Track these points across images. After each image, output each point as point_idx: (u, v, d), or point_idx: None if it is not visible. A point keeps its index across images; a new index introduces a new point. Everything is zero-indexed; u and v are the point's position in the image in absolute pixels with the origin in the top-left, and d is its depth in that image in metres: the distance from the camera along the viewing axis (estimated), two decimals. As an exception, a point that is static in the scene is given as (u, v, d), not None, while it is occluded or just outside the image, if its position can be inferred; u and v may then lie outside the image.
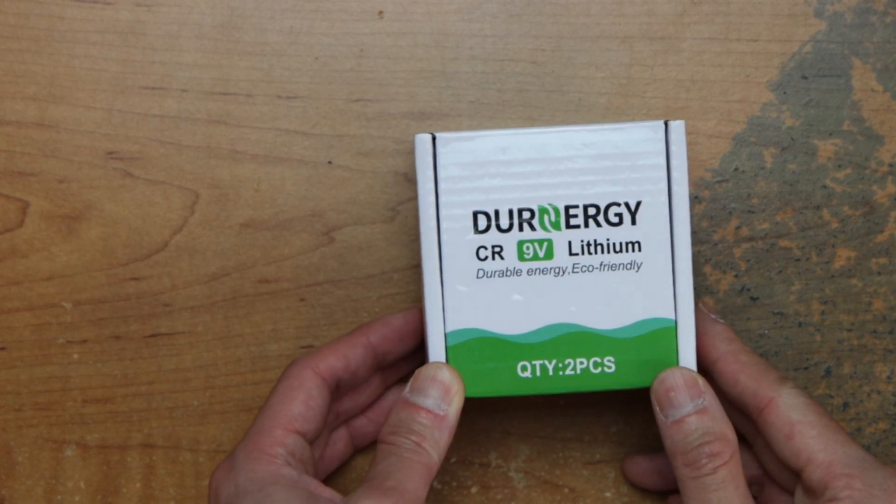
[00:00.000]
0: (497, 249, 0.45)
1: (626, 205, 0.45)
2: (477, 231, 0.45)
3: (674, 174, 0.44)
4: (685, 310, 0.45)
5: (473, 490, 0.52)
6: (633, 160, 0.45)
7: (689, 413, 0.44)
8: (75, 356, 0.52)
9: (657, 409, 0.45)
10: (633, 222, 0.45)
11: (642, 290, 0.45)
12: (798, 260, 0.51)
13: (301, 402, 0.46)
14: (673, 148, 0.45)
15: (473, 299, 0.45)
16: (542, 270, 0.45)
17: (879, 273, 0.51)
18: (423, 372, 0.45)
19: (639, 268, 0.45)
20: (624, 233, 0.45)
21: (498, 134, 0.45)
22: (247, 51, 0.51)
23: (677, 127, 0.44)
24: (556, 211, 0.45)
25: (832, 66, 0.51)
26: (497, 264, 0.45)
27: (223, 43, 0.51)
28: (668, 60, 0.51)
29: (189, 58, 0.51)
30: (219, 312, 0.52)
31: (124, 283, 0.52)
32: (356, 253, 0.52)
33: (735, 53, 0.51)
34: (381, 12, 0.51)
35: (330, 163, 0.52)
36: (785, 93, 0.51)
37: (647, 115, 0.51)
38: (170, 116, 0.51)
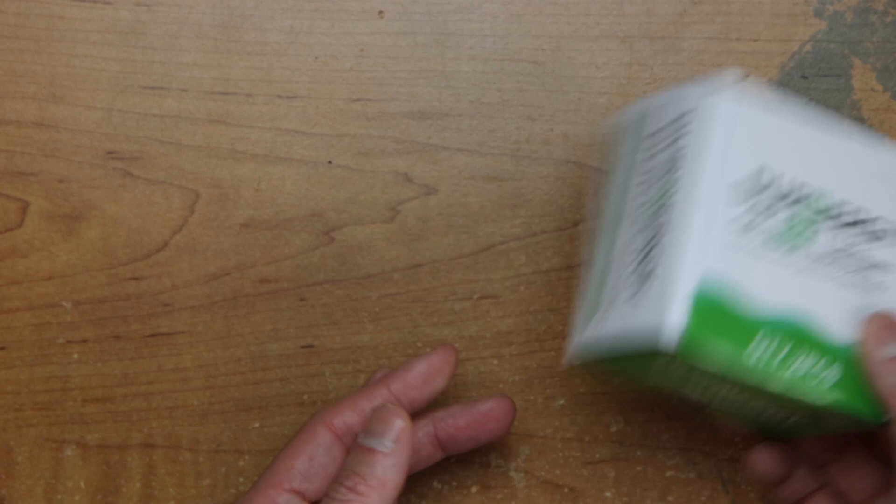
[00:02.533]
0: (770, 213, 0.42)
1: (894, 223, 0.43)
2: (754, 189, 0.42)
3: None
4: None
5: (473, 490, 0.52)
6: None
7: None
8: (75, 356, 0.52)
9: (869, 350, 0.41)
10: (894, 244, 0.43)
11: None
12: (798, 260, 0.52)
13: (304, 459, 0.46)
14: None
15: (734, 251, 0.41)
16: (801, 252, 0.42)
17: (879, 273, 0.51)
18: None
19: (885, 290, 0.43)
20: (883, 251, 0.43)
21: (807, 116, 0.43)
22: (247, 50, 0.51)
23: None
24: (832, 200, 0.42)
25: (832, 65, 0.51)
26: (764, 227, 0.42)
27: (223, 43, 0.51)
28: (669, 60, 0.51)
29: (189, 57, 0.51)
30: (219, 312, 0.52)
31: (124, 283, 0.52)
32: (356, 253, 0.52)
33: (735, 53, 0.51)
34: (381, 12, 0.51)
35: (330, 162, 0.52)
36: (785, 92, 0.51)
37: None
38: (170, 116, 0.51)
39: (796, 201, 0.42)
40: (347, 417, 0.47)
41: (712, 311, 0.40)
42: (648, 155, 0.44)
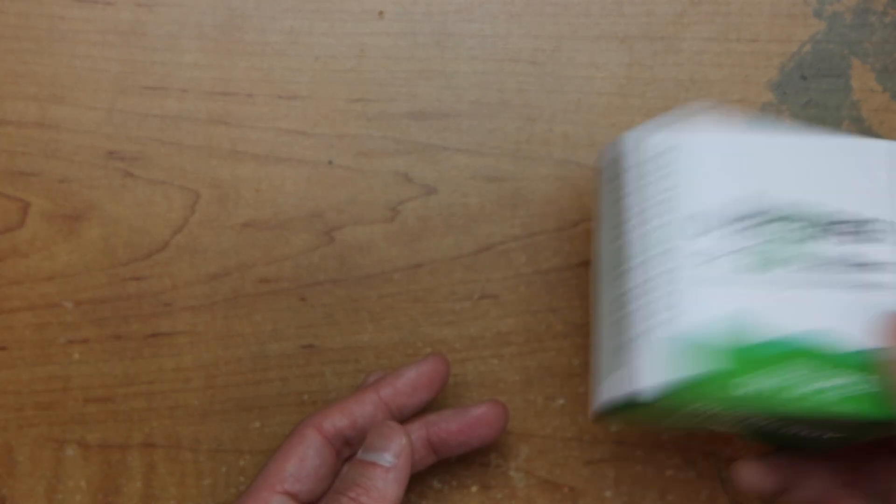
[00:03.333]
0: (743, 246, 0.42)
1: (882, 221, 0.43)
2: (729, 223, 0.42)
3: None
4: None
5: (473, 489, 0.52)
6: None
7: None
8: (76, 356, 0.52)
9: (882, 347, 0.41)
10: (883, 241, 0.43)
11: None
12: (797, 259, 0.52)
13: (295, 461, 0.46)
14: None
15: (729, 290, 0.41)
16: (787, 274, 0.42)
17: (879, 273, 0.51)
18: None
19: (880, 289, 0.42)
20: (873, 252, 0.43)
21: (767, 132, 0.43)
22: (247, 51, 0.51)
23: None
24: (811, 215, 0.42)
25: (831, 66, 0.51)
26: (739, 261, 0.42)
27: (224, 43, 0.51)
28: (668, 60, 0.51)
29: (190, 58, 0.51)
30: (219, 312, 0.52)
31: (125, 283, 0.52)
32: (356, 253, 0.52)
33: (734, 53, 0.51)
34: (381, 12, 0.51)
35: (330, 163, 0.52)
36: (784, 93, 0.51)
37: (647, 116, 0.51)
38: (170, 116, 0.52)
39: (782, 218, 0.42)
40: (337, 421, 0.47)
41: (730, 350, 0.40)
42: (613, 199, 0.44)
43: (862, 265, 0.42)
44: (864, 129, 0.51)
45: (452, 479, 0.52)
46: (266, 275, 0.52)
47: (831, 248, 0.42)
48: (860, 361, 0.41)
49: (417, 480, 0.52)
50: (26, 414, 0.52)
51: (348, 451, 0.48)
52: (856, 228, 0.42)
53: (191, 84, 0.51)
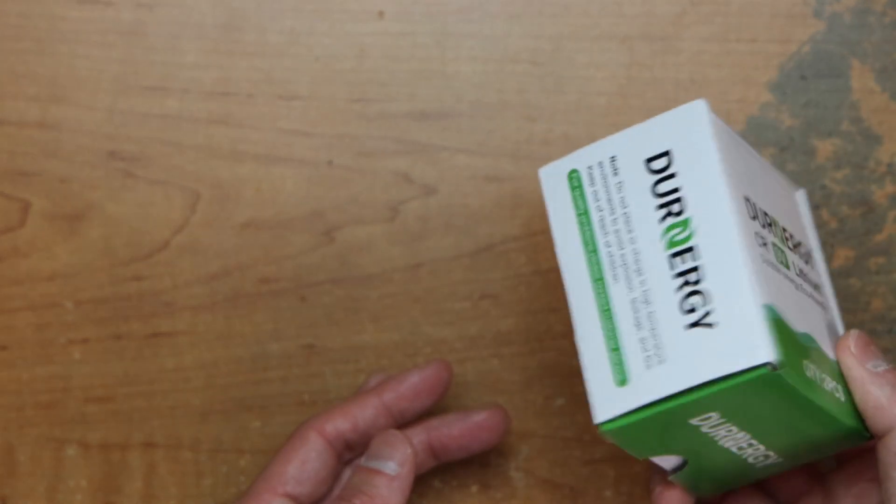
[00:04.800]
0: (765, 240, 0.41)
1: (808, 247, 0.44)
2: (752, 217, 0.41)
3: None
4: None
5: (473, 489, 0.52)
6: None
7: (889, 369, 0.41)
8: (77, 355, 0.52)
9: (858, 362, 0.41)
10: (815, 265, 0.43)
11: (833, 330, 0.43)
12: (797, 259, 0.52)
13: (297, 463, 0.46)
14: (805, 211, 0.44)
15: (766, 280, 0.40)
16: (788, 278, 0.42)
17: (878, 273, 0.51)
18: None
19: (826, 308, 0.43)
20: (813, 272, 0.43)
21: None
22: (247, 51, 0.51)
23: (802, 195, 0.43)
24: (782, 226, 0.43)
25: (831, 66, 0.51)
26: (768, 255, 0.41)
27: (224, 43, 0.51)
28: (668, 61, 0.51)
29: (190, 58, 0.51)
30: (220, 312, 0.52)
31: (125, 283, 0.52)
32: (356, 253, 0.52)
33: (734, 54, 0.51)
34: (381, 12, 0.51)
35: (330, 163, 0.52)
36: (784, 93, 0.51)
37: (647, 116, 0.51)
38: (171, 116, 0.52)
39: (771, 225, 0.42)
40: (339, 424, 0.47)
41: (783, 336, 0.39)
42: (611, 206, 0.42)
43: (816, 285, 0.44)
44: (864, 129, 0.51)
45: (452, 478, 0.52)
46: (266, 275, 0.52)
47: (800, 264, 0.43)
48: (839, 371, 0.42)
49: (418, 480, 0.52)
50: (27, 414, 0.52)
51: (349, 454, 0.48)
52: (804, 251, 0.43)
53: (191, 84, 0.51)
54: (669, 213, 0.41)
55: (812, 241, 0.46)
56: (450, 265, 0.52)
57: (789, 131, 0.51)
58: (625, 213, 0.42)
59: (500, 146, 0.52)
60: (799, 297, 0.42)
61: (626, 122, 0.51)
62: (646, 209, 0.41)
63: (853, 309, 0.51)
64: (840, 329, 0.45)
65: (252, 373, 0.52)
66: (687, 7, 0.51)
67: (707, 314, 0.39)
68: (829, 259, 0.51)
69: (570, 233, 0.42)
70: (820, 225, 0.51)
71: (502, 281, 0.52)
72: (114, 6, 0.51)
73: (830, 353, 0.42)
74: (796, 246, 0.44)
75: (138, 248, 0.52)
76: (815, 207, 0.51)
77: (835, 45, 0.51)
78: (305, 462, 0.47)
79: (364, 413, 0.47)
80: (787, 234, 0.43)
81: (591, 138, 0.51)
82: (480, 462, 0.52)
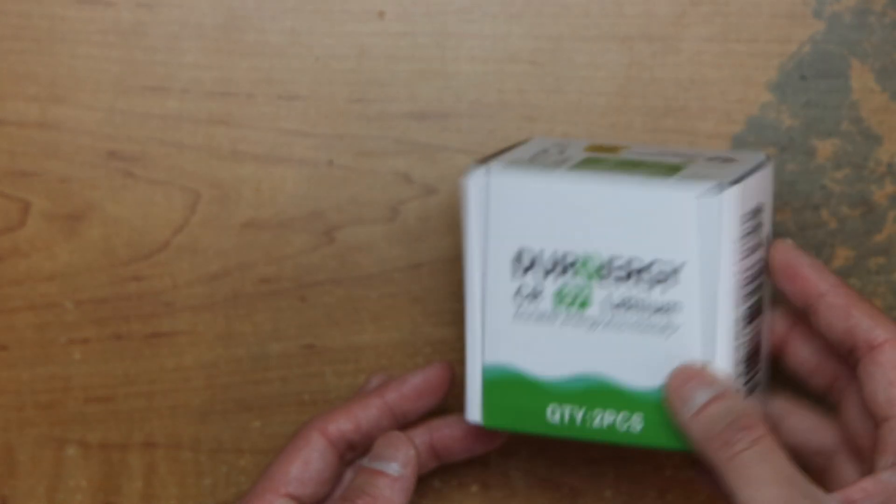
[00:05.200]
0: (536, 292, 0.44)
1: (671, 264, 0.43)
2: (518, 271, 0.45)
3: (723, 242, 0.43)
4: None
5: (473, 489, 0.52)
6: (679, 220, 0.43)
7: (708, 401, 0.42)
8: (77, 355, 0.52)
9: (675, 410, 0.43)
10: (676, 283, 0.43)
11: (678, 354, 0.44)
12: (797, 259, 0.52)
13: (299, 464, 0.47)
14: (724, 217, 0.43)
15: (511, 337, 0.45)
16: (578, 319, 0.44)
17: (878, 273, 0.52)
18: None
19: (676, 330, 0.44)
20: (665, 294, 0.44)
21: (553, 176, 0.44)
22: (248, 51, 0.51)
23: (731, 195, 0.43)
24: (599, 261, 0.44)
25: (831, 66, 0.51)
26: (535, 307, 0.45)
27: (224, 43, 0.52)
28: (668, 61, 0.51)
29: (190, 58, 0.51)
30: (220, 312, 0.52)
31: (126, 283, 0.52)
32: (356, 253, 0.52)
33: (734, 54, 0.51)
34: (381, 12, 0.51)
35: (330, 163, 0.52)
36: (784, 93, 0.51)
37: (647, 116, 0.51)
38: (171, 116, 0.52)
39: (563, 272, 0.44)
40: (342, 424, 0.47)
41: (502, 387, 0.45)
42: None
43: (659, 309, 0.44)
44: (864, 129, 0.51)
45: (452, 478, 0.52)
46: (266, 275, 0.52)
47: (617, 291, 0.44)
48: (653, 399, 0.44)
49: (418, 480, 0.52)
50: (27, 414, 0.52)
51: (351, 455, 0.48)
52: (649, 274, 0.44)
53: (191, 84, 0.51)
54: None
55: (723, 245, 0.44)
56: (450, 265, 0.52)
57: (789, 131, 0.51)
58: None
59: (500, 146, 0.52)
60: (591, 338, 0.44)
61: (626, 122, 0.51)
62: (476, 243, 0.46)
63: (853, 309, 0.51)
64: (717, 349, 0.44)
65: (252, 373, 0.52)
66: (687, 7, 0.51)
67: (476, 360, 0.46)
68: (829, 259, 0.51)
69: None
70: (820, 225, 0.51)
71: (502, 281, 0.52)
72: (114, 6, 0.51)
73: (645, 383, 0.44)
74: (632, 274, 0.44)
75: (138, 248, 0.52)
76: (814, 207, 0.51)
77: (835, 45, 0.51)
78: (308, 462, 0.47)
79: (366, 414, 0.47)
80: (609, 269, 0.44)
81: (591, 138, 0.51)
82: (480, 462, 0.52)
